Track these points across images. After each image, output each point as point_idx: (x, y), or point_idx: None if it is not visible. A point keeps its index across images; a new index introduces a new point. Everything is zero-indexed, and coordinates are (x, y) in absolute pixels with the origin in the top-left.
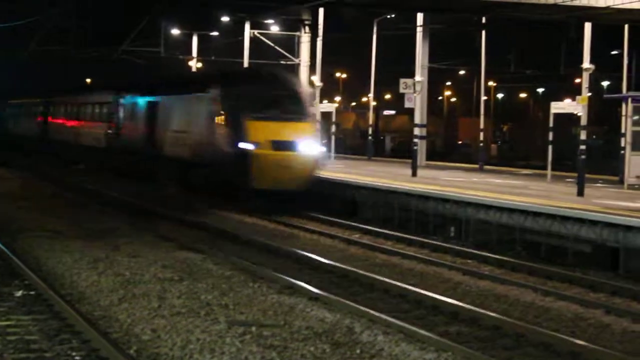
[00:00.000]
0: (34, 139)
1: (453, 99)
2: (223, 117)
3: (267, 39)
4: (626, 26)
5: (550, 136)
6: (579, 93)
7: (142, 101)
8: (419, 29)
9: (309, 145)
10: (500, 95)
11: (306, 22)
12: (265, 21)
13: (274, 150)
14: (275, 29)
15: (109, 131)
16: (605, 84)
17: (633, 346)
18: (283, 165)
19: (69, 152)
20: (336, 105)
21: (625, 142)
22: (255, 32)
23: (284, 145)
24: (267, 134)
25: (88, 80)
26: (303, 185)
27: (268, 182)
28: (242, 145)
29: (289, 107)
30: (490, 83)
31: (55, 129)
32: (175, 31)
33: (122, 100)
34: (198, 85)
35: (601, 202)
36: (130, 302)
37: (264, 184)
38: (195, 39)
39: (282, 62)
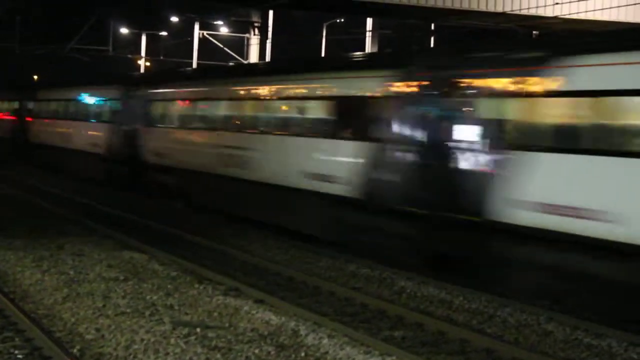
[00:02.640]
0: None
1: None
2: None
3: (217, 40)
4: None
5: None
6: None
7: None
8: (368, 34)
9: None
10: None
11: (256, 24)
12: (215, 22)
13: None
14: (224, 30)
15: None
16: None
17: (575, 353)
18: None
19: None
20: None
21: None
22: (205, 32)
23: None
24: None
25: (35, 77)
26: None
27: None
28: None
29: None
30: None
31: None
32: (124, 30)
33: None
34: None
35: None
36: (74, 301)
37: None
38: (144, 38)
39: (231, 63)
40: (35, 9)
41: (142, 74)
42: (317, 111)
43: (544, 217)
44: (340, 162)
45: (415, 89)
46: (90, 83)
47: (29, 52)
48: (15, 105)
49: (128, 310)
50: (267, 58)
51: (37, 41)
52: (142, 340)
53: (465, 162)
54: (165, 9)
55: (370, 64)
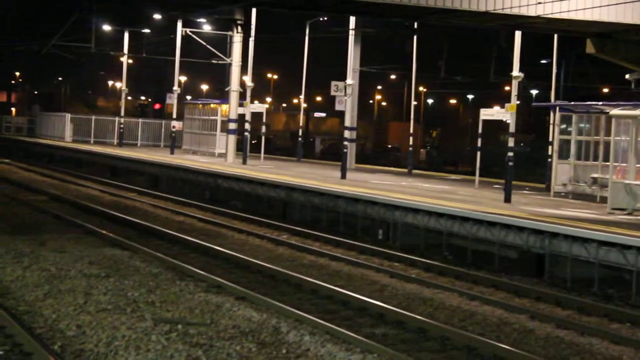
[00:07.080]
0: None
1: (383, 103)
2: None
3: (200, 38)
4: (555, 36)
5: (479, 142)
6: (508, 100)
7: None
8: (351, 32)
9: None
10: (430, 101)
11: (239, 22)
12: (198, 20)
13: None
14: (207, 28)
15: None
16: (534, 92)
17: (556, 351)
18: None
19: None
20: (267, 106)
21: (552, 150)
22: (188, 30)
23: None
24: None
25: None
26: None
27: None
28: None
29: None
30: (421, 88)
31: None
32: (106, 27)
33: None
34: None
35: (528, 208)
36: (55, 298)
37: None
38: (126, 36)
39: (213, 61)
40: (16, 5)
41: None
42: None
43: None
44: None
45: None
46: None
47: (9, 49)
48: None
49: (109, 307)
50: (250, 56)
51: (17, 37)
52: (124, 336)
53: None
54: (148, 6)
55: None
